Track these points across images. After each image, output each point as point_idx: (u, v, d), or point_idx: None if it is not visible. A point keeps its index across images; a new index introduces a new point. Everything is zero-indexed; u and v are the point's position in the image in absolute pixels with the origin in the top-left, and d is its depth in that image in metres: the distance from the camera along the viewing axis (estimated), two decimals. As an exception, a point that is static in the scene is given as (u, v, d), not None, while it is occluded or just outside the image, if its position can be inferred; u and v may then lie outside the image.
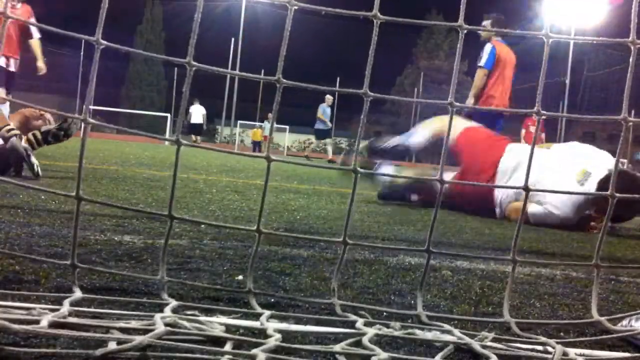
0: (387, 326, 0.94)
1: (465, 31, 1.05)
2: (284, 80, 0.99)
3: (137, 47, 40.20)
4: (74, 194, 0.94)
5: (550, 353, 0.87)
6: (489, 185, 3.44)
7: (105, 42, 0.97)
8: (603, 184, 3.13)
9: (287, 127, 28.58)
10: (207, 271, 1.26)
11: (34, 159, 2.97)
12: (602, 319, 1.05)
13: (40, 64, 6.41)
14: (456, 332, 0.93)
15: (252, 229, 1.03)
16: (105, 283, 1.09)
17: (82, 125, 0.95)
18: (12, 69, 6.16)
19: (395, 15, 1.05)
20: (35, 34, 6.37)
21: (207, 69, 0.99)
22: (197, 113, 22.02)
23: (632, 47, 1.06)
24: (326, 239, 1.18)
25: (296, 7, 1.01)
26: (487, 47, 5.94)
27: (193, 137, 20.76)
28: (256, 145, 25.50)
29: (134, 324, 0.83)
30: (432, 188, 3.62)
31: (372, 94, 1.03)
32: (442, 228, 2.61)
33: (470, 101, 5.95)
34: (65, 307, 0.85)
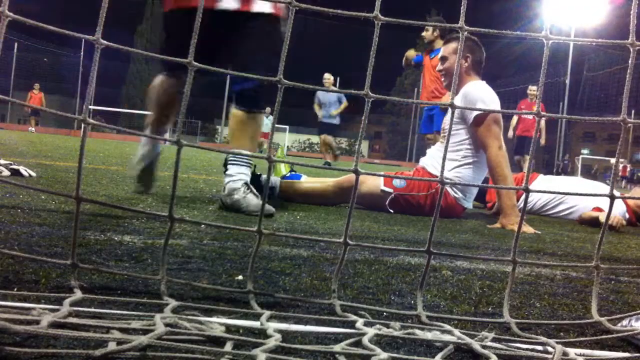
0: (387, 326, 0.94)
1: (466, 33, 1.05)
2: (285, 81, 0.99)
3: (137, 47, 40.23)
4: (73, 194, 0.94)
5: (550, 353, 0.87)
6: (490, 186, 3.44)
7: (105, 42, 0.97)
8: None
9: (287, 127, 28.57)
10: (207, 271, 1.26)
11: None
12: (602, 319, 1.05)
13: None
14: (456, 332, 0.93)
15: (253, 230, 1.03)
16: (105, 283, 1.09)
17: (83, 125, 0.95)
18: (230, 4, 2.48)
19: (395, 16, 1.05)
20: None
21: (208, 69, 0.99)
22: None
23: (631, 49, 1.06)
24: (327, 240, 1.18)
25: (298, 8, 1.01)
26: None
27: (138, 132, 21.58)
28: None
29: (134, 324, 0.83)
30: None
31: (373, 95, 1.02)
32: (442, 228, 2.61)
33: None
34: (65, 307, 0.85)
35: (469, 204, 3.38)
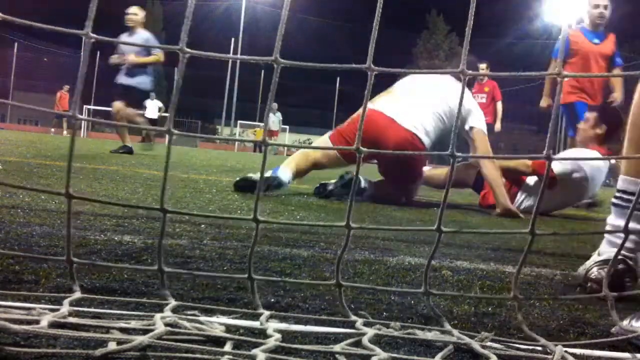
0: (387, 326, 0.94)
1: (467, 77, 1.00)
2: (282, 60, 0.95)
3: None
4: (63, 191, 0.92)
5: (550, 353, 0.87)
6: (495, 159, 3.45)
7: (94, 35, 0.95)
8: None
9: (287, 127, 28.61)
10: (207, 271, 1.26)
11: None
12: (610, 297, 1.05)
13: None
14: (456, 332, 0.93)
15: (249, 218, 0.99)
16: (105, 283, 1.09)
17: (74, 122, 0.93)
18: None
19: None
20: None
21: (201, 55, 0.96)
22: (153, 108, 20.95)
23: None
24: (328, 224, 1.17)
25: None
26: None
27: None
28: (257, 145, 25.45)
29: (134, 324, 0.83)
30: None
31: (376, 68, 0.97)
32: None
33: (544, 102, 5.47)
34: (65, 307, 0.85)
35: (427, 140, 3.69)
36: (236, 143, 31.11)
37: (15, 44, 31.67)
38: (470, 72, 0.99)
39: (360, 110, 3.88)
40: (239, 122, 31.35)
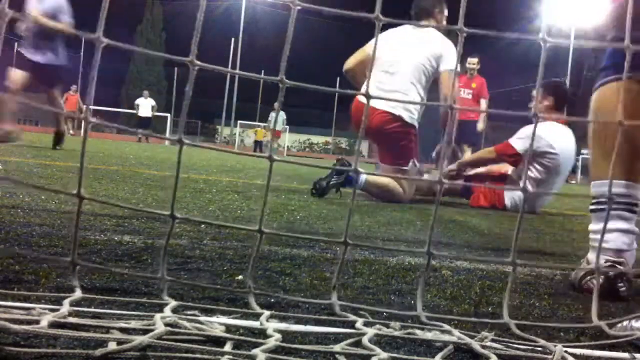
0: (387, 326, 0.94)
1: (465, 35, 1.03)
2: (287, 81, 0.98)
3: (137, 46, 40.10)
4: (75, 192, 0.94)
5: (550, 353, 0.87)
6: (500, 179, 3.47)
7: (106, 40, 0.96)
8: None
9: (287, 127, 28.61)
10: (207, 271, 1.26)
11: None
12: (602, 323, 1.05)
13: None
14: (456, 332, 0.93)
15: (254, 229, 1.02)
16: (105, 283, 1.09)
17: (84, 123, 0.94)
18: None
19: (394, 15, 1.04)
20: None
21: (211, 69, 0.99)
22: (146, 106, 19.91)
23: (627, 53, 1.06)
24: (326, 239, 1.18)
25: (299, 7, 1.00)
26: None
27: (140, 131, 18.53)
28: (257, 145, 25.42)
29: (134, 324, 0.83)
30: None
31: (372, 95, 1.02)
32: (442, 228, 2.61)
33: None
34: (65, 307, 0.85)
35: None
36: (236, 143, 31.09)
37: (15, 44, 31.74)
38: (455, 106, 1.02)
39: (358, 98, 4.09)
40: (239, 122, 31.34)
